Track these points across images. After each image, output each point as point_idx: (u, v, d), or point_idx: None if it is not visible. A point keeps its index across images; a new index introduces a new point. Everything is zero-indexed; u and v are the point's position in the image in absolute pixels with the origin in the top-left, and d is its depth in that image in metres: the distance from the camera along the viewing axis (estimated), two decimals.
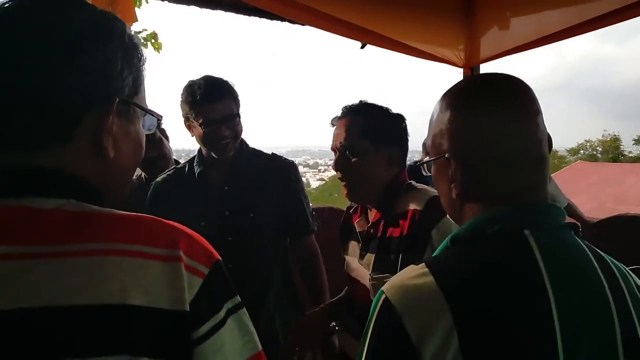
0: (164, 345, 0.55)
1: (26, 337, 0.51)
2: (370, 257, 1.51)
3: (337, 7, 2.51)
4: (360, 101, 1.61)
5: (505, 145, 0.77)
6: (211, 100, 1.72)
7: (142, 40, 6.15)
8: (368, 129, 1.51)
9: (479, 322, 0.67)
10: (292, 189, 1.90)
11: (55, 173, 0.60)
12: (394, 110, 1.60)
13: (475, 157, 0.79)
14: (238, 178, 1.83)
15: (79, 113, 0.61)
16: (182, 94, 1.79)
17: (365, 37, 2.78)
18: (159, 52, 6.44)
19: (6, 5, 0.60)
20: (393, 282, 0.75)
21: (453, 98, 0.84)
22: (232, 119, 1.77)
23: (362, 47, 3.07)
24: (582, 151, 43.42)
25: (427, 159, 0.89)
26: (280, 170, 1.90)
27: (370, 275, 1.47)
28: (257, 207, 1.80)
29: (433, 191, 1.47)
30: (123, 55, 0.65)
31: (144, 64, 0.70)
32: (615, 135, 43.26)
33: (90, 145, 0.63)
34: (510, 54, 2.76)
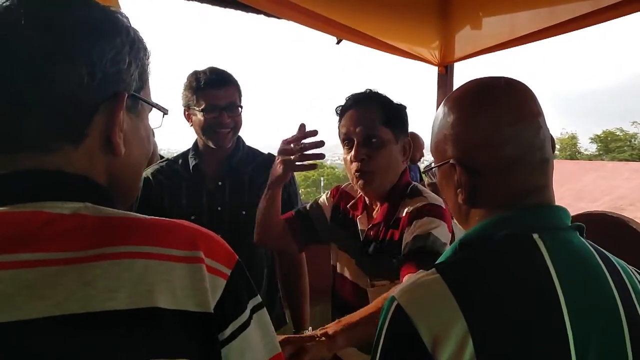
0: (194, 347, 0.55)
1: (59, 346, 0.49)
2: (368, 260, 1.44)
3: (314, 1, 2.50)
4: (368, 89, 1.51)
5: (508, 148, 0.77)
6: (215, 86, 1.71)
7: None
8: (388, 117, 1.43)
9: (492, 327, 0.67)
10: (287, 191, 1.85)
11: (71, 176, 0.59)
12: None
13: (479, 161, 0.79)
14: (233, 174, 1.80)
15: (90, 109, 0.60)
16: (184, 83, 1.76)
17: (341, 32, 2.78)
18: None
19: (7, 2, 0.57)
20: (404, 288, 0.74)
21: (454, 103, 0.84)
22: (234, 108, 1.75)
23: (338, 42, 3.06)
24: None
25: (432, 165, 0.88)
26: None
27: (369, 281, 1.41)
28: (251, 205, 1.74)
29: (438, 200, 1.41)
30: (130, 50, 0.63)
31: (149, 58, 0.68)
32: (572, 133, 44.86)
33: (102, 142, 0.62)
34: (484, 54, 2.81)
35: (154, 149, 2.16)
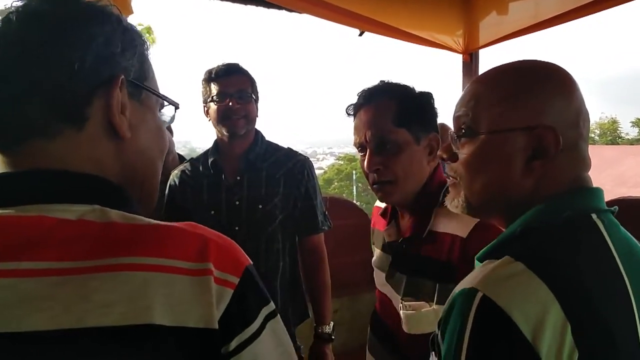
0: None
1: None
2: (401, 278, 1.28)
3: None
4: (382, 81, 1.31)
5: (581, 127, 0.77)
6: (225, 75, 1.81)
7: None
8: (404, 115, 1.23)
9: (585, 313, 0.64)
10: (304, 185, 1.88)
11: (79, 176, 0.59)
12: None
13: (565, 135, 0.75)
14: (251, 169, 1.83)
15: (86, 92, 0.61)
16: (201, 80, 1.86)
17: (364, 24, 2.77)
18: (152, 45, 6.47)
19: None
20: (484, 279, 0.68)
21: (525, 70, 0.80)
22: (244, 95, 1.80)
23: (360, 34, 3.06)
24: None
25: (506, 129, 0.77)
26: (294, 165, 1.88)
27: (401, 301, 1.25)
28: (268, 199, 1.80)
29: None
30: (123, 38, 0.65)
31: (148, 49, 0.70)
32: (613, 118, 43.31)
33: (104, 125, 0.63)
34: (509, 39, 2.76)
35: (171, 146, 2.21)
